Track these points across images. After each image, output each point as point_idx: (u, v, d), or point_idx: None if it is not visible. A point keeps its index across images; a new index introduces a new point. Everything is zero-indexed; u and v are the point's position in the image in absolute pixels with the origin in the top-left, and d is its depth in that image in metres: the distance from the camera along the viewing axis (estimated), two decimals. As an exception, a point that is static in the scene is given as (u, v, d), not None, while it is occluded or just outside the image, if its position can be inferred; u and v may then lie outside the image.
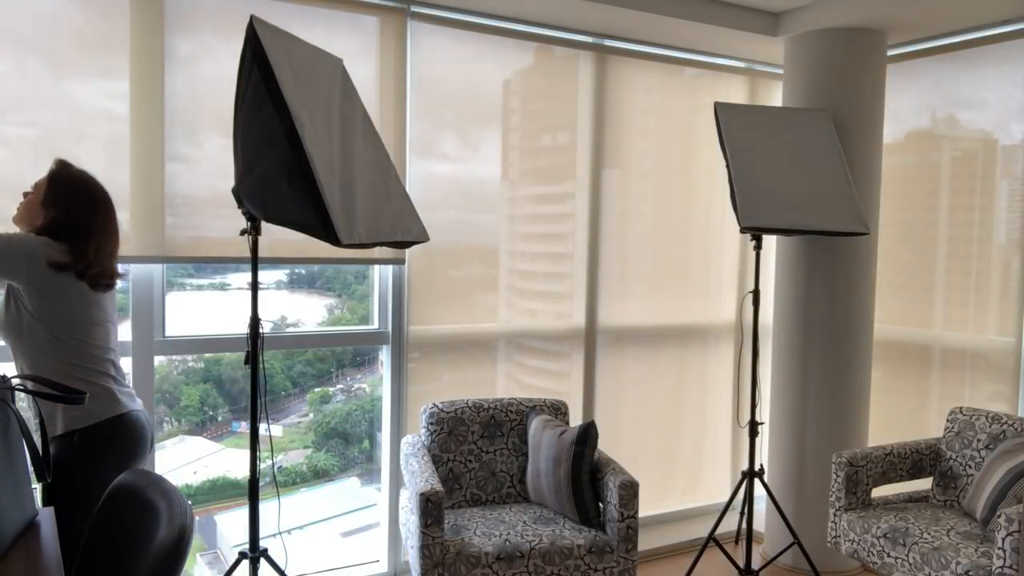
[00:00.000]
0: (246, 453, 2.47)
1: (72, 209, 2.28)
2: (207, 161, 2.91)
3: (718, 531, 3.51)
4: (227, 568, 2.54)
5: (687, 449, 4.26)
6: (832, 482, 3.17)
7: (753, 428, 3.40)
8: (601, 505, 2.98)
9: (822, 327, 3.61)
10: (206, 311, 3.24)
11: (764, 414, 4.05)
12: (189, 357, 3.43)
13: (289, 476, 3.64)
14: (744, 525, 3.83)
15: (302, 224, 2.08)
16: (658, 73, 4.01)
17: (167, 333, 2.98)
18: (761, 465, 3.44)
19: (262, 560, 2.49)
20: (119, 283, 2.40)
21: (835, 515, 3.14)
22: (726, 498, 3.88)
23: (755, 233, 3.27)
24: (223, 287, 3.38)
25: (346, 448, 3.78)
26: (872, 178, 3.62)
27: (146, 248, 2.87)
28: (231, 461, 3.47)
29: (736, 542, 3.99)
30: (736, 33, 3.68)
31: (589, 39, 3.76)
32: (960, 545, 2.73)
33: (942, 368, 3.75)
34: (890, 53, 3.76)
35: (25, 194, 2.33)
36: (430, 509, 2.62)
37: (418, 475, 2.80)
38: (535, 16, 3.49)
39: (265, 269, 3.35)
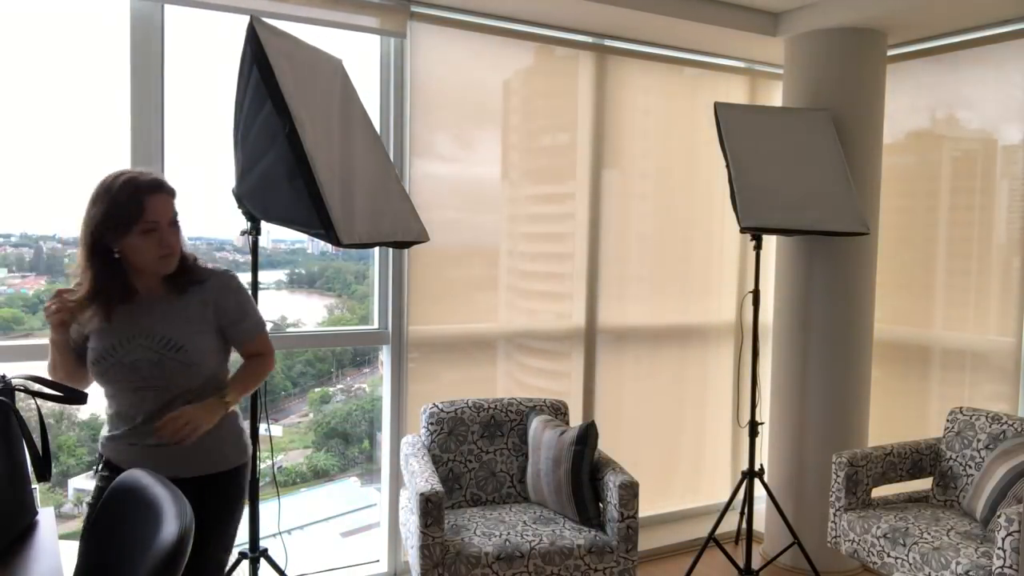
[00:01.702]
0: (246, 453, 2.47)
1: None
2: None
3: (718, 531, 3.50)
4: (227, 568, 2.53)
5: (687, 449, 4.26)
6: (832, 482, 3.17)
7: (753, 428, 3.40)
8: (601, 505, 2.98)
9: (822, 327, 3.61)
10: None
11: (764, 414, 4.05)
12: (189, 357, 3.43)
13: (289, 476, 3.64)
14: (744, 525, 3.82)
15: (302, 224, 2.08)
16: (658, 73, 4.01)
17: (167, 333, 2.97)
18: (761, 465, 3.44)
19: (262, 560, 2.50)
20: None
21: (835, 515, 3.14)
22: (726, 498, 3.88)
23: (755, 233, 3.27)
24: (223, 287, 3.38)
25: (346, 448, 3.78)
26: (872, 178, 3.62)
27: None
28: (231, 461, 3.47)
29: (736, 542, 3.99)
30: (736, 33, 3.68)
31: (589, 39, 3.76)
32: (960, 545, 2.73)
33: (942, 368, 3.75)
34: (890, 53, 3.76)
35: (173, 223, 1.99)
36: (430, 509, 2.62)
37: (418, 475, 2.80)
38: (535, 16, 3.49)
39: (265, 269, 3.35)
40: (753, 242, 3.37)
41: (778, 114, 3.44)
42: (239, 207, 2.27)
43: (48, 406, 2.76)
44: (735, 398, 4.38)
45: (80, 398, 1.90)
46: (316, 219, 2.01)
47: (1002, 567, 2.47)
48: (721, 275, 4.28)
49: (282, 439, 3.64)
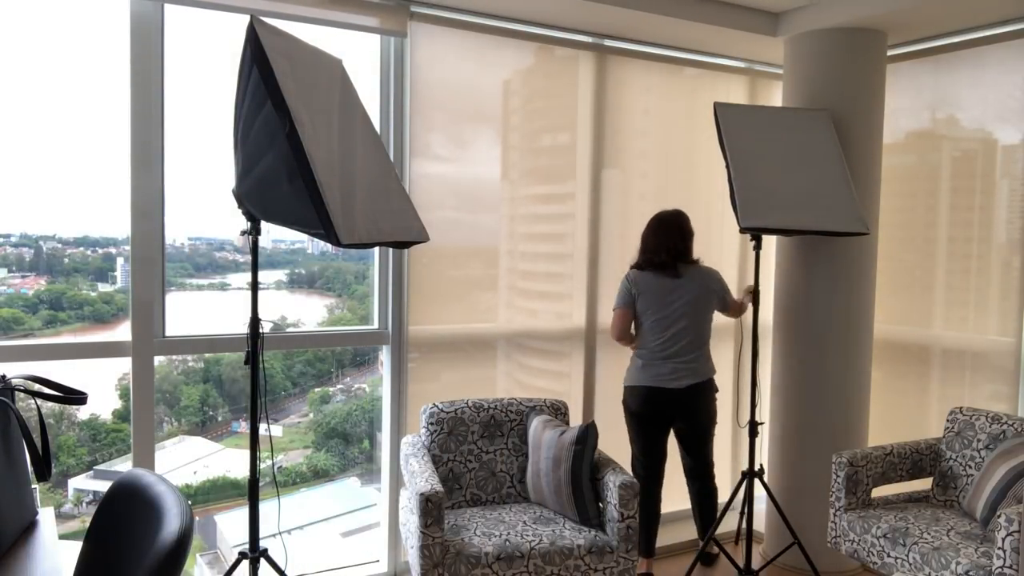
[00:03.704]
0: (246, 453, 2.48)
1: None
2: None
3: (718, 531, 3.50)
4: (227, 568, 2.54)
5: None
6: (832, 482, 3.17)
7: (753, 428, 3.40)
8: (601, 505, 2.98)
9: (822, 327, 3.61)
10: (206, 311, 3.25)
11: (764, 414, 4.05)
12: (189, 357, 3.43)
13: (289, 476, 3.64)
14: (744, 525, 3.82)
15: (302, 224, 2.08)
16: (658, 73, 4.01)
17: (167, 333, 2.98)
18: (761, 465, 3.44)
19: (262, 560, 2.49)
20: None
21: (835, 515, 3.14)
22: (726, 498, 3.88)
23: (755, 233, 3.27)
24: (223, 287, 3.38)
25: (346, 448, 3.78)
26: (872, 178, 3.62)
27: None
28: (231, 461, 3.48)
29: (736, 542, 3.99)
30: (736, 33, 3.68)
31: (589, 39, 3.76)
32: (960, 545, 2.73)
33: (942, 368, 3.75)
34: (890, 53, 3.76)
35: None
36: (430, 509, 2.62)
37: (418, 475, 2.80)
38: (535, 16, 3.49)
39: (265, 269, 3.35)
40: (753, 242, 3.37)
41: (778, 114, 3.44)
42: (239, 207, 2.27)
43: (48, 406, 2.77)
44: (735, 398, 4.38)
45: (80, 398, 1.90)
46: (316, 219, 2.01)
47: (1002, 567, 2.47)
48: (721, 275, 4.26)
49: (282, 439, 3.64)
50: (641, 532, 3.53)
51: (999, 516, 2.48)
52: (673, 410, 3.41)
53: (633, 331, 3.46)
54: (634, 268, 3.45)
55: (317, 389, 3.75)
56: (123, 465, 3.17)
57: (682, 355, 3.36)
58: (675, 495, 4.25)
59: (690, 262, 3.44)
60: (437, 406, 3.23)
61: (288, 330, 3.34)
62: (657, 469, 3.54)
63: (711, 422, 3.50)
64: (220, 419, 3.54)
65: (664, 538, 3.93)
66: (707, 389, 3.43)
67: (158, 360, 2.99)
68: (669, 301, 3.36)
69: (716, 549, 3.81)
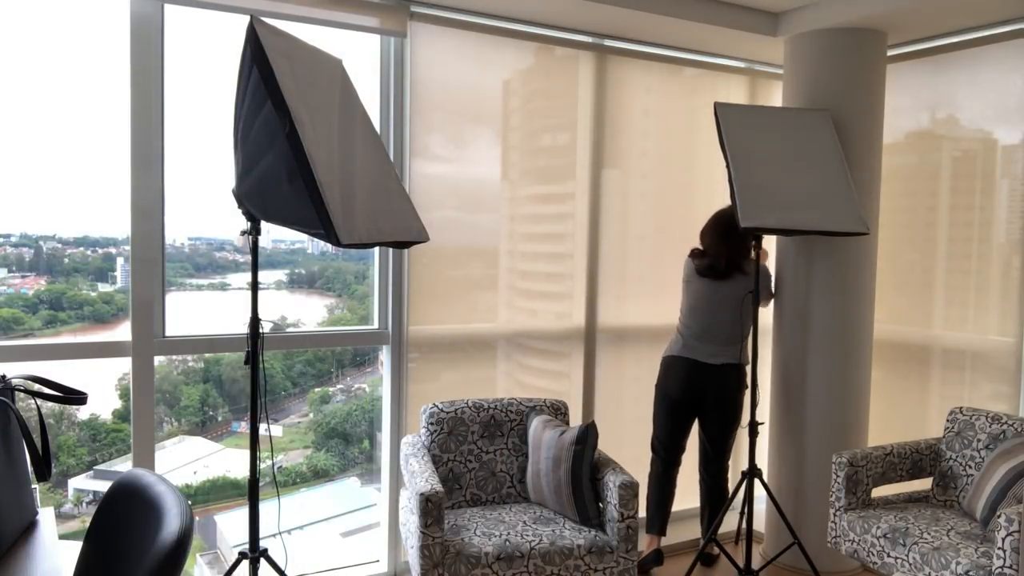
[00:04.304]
0: (246, 453, 2.48)
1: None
2: None
3: (718, 531, 3.51)
4: (227, 568, 2.54)
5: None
6: (832, 482, 3.17)
7: (753, 428, 3.40)
8: (601, 505, 2.98)
9: (822, 327, 3.61)
10: (206, 311, 3.25)
11: (764, 414, 4.05)
12: (189, 357, 3.43)
13: (289, 476, 3.64)
14: (744, 525, 3.82)
15: (302, 224, 2.08)
16: (658, 73, 4.01)
17: (167, 333, 2.98)
18: (755, 464, 3.44)
19: (262, 560, 2.49)
20: None
21: (835, 515, 3.14)
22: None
23: (755, 233, 3.27)
24: (223, 287, 3.38)
25: (346, 448, 3.78)
26: (872, 178, 3.62)
27: None
28: (231, 461, 3.48)
29: (736, 542, 3.99)
30: (736, 33, 3.68)
31: (589, 39, 3.76)
32: (960, 545, 2.73)
33: (942, 368, 3.75)
34: (890, 53, 3.76)
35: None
36: (430, 509, 2.62)
37: (418, 475, 2.80)
38: (535, 16, 3.49)
39: (265, 269, 3.35)
40: (753, 242, 3.37)
41: (778, 114, 3.44)
42: (239, 207, 2.27)
43: (48, 406, 2.78)
44: (735, 398, 4.36)
45: (80, 398, 1.90)
46: (316, 219, 2.01)
47: (1002, 567, 2.47)
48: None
49: (282, 439, 3.64)
50: (655, 509, 3.69)
51: (999, 516, 2.48)
52: (705, 389, 3.57)
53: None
54: (692, 257, 3.66)
55: (317, 389, 3.75)
56: (123, 465, 3.17)
57: (716, 342, 3.57)
58: (676, 492, 4.24)
59: (745, 267, 3.58)
60: (437, 406, 3.23)
61: (288, 330, 3.34)
62: (676, 454, 3.74)
63: (737, 410, 3.62)
64: (220, 419, 3.54)
65: (664, 538, 3.93)
66: (741, 372, 3.58)
67: (158, 360, 2.99)
68: (708, 296, 3.56)
69: (716, 550, 3.82)
